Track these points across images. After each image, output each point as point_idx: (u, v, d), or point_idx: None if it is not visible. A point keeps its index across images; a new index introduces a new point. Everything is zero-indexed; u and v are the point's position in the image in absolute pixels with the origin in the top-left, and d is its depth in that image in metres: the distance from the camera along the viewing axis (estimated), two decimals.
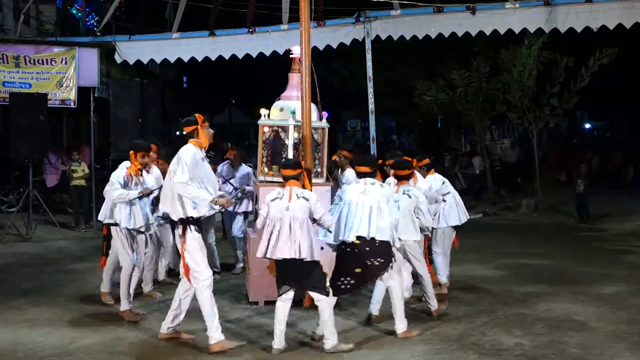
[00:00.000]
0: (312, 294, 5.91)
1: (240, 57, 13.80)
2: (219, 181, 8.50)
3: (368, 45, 13.25)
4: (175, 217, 5.91)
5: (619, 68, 17.28)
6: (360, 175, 6.27)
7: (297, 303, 7.25)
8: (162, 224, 7.75)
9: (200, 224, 5.97)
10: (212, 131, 6.15)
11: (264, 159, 7.71)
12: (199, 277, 5.88)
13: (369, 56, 13.23)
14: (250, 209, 8.76)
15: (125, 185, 6.87)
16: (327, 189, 7.54)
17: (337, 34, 13.57)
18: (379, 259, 6.05)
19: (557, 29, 12.94)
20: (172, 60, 14.04)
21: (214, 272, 8.49)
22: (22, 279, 8.84)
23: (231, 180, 9.02)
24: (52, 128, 15.79)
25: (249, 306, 7.35)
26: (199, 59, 13.87)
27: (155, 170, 7.70)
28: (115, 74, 14.48)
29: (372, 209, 6.05)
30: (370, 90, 13.21)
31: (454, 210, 7.72)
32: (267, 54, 13.74)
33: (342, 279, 6.07)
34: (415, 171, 7.19)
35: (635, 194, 17.23)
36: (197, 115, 6.06)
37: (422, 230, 6.84)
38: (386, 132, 36.87)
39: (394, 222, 6.16)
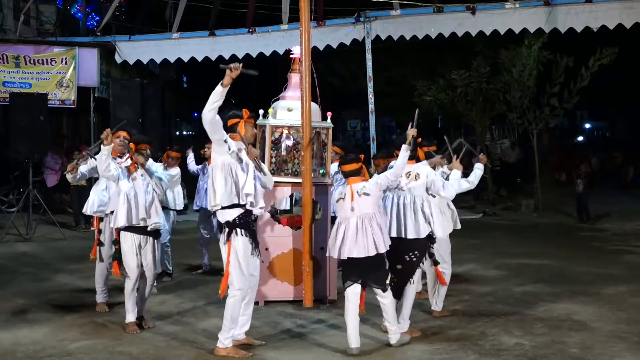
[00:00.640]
0: (375, 290, 5.88)
1: (240, 57, 13.80)
2: None
3: (368, 45, 13.26)
4: (222, 219, 5.69)
5: (619, 68, 17.28)
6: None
7: (296, 303, 7.28)
8: None
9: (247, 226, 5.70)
10: (255, 130, 6.09)
11: (272, 159, 7.63)
12: (235, 285, 5.68)
13: (369, 56, 13.23)
14: None
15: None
16: (332, 189, 7.55)
17: (337, 34, 13.58)
18: (415, 253, 6.14)
19: (557, 29, 12.94)
20: (172, 60, 14.05)
21: (166, 274, 8.56)
22: (22, 279, 8.83)
23: None
24: (52, 128, 15.76)
25: None
26: (199, 59, 13.88)
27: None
28: (115, 74, 14.49)
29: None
30: (370, 90, 13.22)
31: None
32: (267, 54, 13.75)
33: (389, 276, 6.10)
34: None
35: (635, 194, 17.24)
36: (243, 110, 6.03)
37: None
38: (386, 132, 36.89)
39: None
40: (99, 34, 14.59)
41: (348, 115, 36.04)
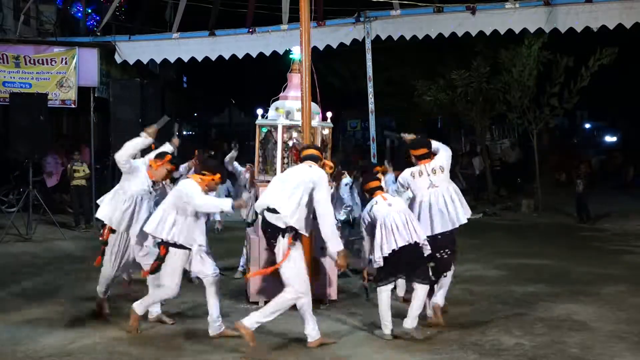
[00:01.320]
0: (415, 284, 6.26)
1: (240, 57, 13.80)
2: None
3: (368, 45, 13.26)
4: (282, 225, 5.85)
5: (619, 68, 17.28)
6: (418, 157, 6.65)
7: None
8: None
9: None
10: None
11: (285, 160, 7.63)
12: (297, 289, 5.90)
13: (369, 56, 13.23)
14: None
15: None
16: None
17: (337, 34, 13.57)
18: (446, 250, 6.50)
19: (557, 29, 12.94)
20: (172, 60, 14.04)
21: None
22: (22, 279, 8.82)
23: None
24: (52, 128, 15.77)
25: (249, 306, 7.34)
26: (199, 59, 13.87)
27: None
28: (115, 74, 14.49)
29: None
30: (370, 90, 13.21)
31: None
32: (267, 54, 13.74)
33: (428, 271, 6.40)
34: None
35: (635, 194, 17.25)
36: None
37: None
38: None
39: None
40: (99, 34, 14.58)
41: (348, 115, 35.97)
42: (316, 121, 7.55)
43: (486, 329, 6.50)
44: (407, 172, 6.75)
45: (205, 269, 6.28)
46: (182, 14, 13.85)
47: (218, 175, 6.35)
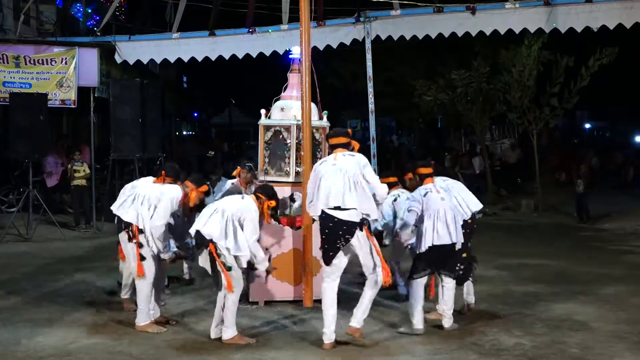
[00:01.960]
0: (444, 277, 6.49)
1: (240, 57, 13.80)
2: None
3: (368, 45, 13.25)
4: (357, 218, 5.90)
5: (619, 68, 17.29)
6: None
7: (296, 303, 7.28)
8: None
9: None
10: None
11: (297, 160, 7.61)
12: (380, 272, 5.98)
13: (369, 56, 13.23)
14: None
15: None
16: None
17: (337, 34, 13.57)
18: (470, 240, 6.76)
19: (557, 29, 12.94)
20: (172, 60, 14.04)
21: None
22: (22, 279, 8.83)
23: None
24: (52, 128, 15.76)
25: (249, 306, 7.34)
26: (199, 59, 13.87)
27: None
28: (115, 74, 14.48)
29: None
30: (370, 90, 13.21)
31: None
32: (267, 54, 13.74)
33: (457, 266, 6.59)
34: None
35: (635, 194, 17.24)
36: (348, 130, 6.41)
37: None
38: (386, 132, 36.89)
39: None
40: (99, 34, 14.56)
41: (348, 115, 36.01)
42: (315, 121, 7.55)
43: (486, 329, 6.50)
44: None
45: None
46: (182, 14, 13.85)
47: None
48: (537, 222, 14.73)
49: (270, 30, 13.64)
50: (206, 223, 6.00)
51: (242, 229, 6.00)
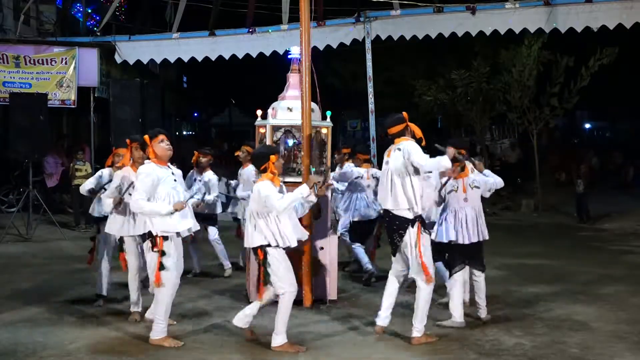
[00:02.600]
0: (474, 270, 6.70)
1: (240, 57, 13.81)
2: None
3: (368, 45, 13.26)
4: (411, 215, 5.99)
5: (619, 68, 17.28)
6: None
7: (297, 303, 7.27)
8: None
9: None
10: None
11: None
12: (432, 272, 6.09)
13: (369, 56, 13.23)
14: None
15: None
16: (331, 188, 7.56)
17: (337, 34, 13.58)
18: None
19: (557, 29, 12.94)
20: (172, 60, 14.05)
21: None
22: (22, 279, 8.82)
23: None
24: (52, 128, 15.75)
25: None
26: (199, 59, 13.87)
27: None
28: (115, 74, 14.50)
29: None
30: (370, 90, 13.22)
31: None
32: (267, 54, 13.75)
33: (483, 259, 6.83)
34: None
35: (635, 194, 17.24)
36: (403, 113, 6.28)
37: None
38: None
39: None
40: (99, 34, 14.58)
41: (348, 115, 36.01)
42: (316, 120, 7.54)
43: (486, 329, 6.50)
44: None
45: None
46: (182, 14, 13.86)
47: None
48: (537, 222, 14.73)
49: (270, 30, 13.66)
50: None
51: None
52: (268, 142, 7.50)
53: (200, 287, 8.24)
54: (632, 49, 18.07)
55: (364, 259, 8.51)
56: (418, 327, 6.04)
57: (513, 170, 20.39)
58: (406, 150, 5.99)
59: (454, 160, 6.16)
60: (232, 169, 10.63)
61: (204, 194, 8.40)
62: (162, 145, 6.03)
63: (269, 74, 18.32)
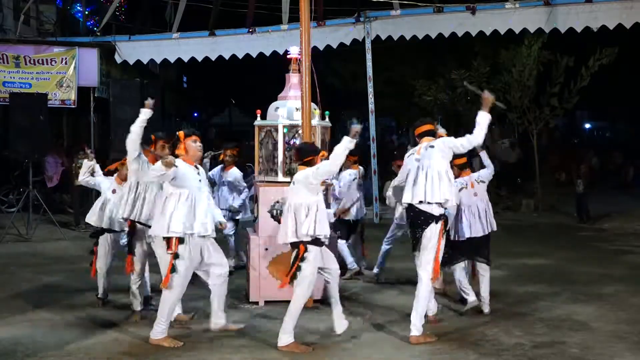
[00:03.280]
0: (479, 264, 7.04)
1: (240, 57, 13.81)
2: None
3: (368, 45, 13.27)
4: (437, 213, 6.11)
5: (619, 68, 17.28)
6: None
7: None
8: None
9: None
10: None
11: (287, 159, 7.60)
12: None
13: (369, 56, 13.24)
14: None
15: None
16: (331, 188, 7.56)
17: (337, 34, 13.59)
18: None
19: (557, 29, 12.94)
20: (172, 60, 14.05)
21: None
22: (22, 279, 8.83)
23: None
24: (52, 128, 15.74)
25: (249, 306, 7.35)
26: (199, 59, 13.88)
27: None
28: (115, 74, 14.49)
29: None
30: (370, 90, 13.22)
31: None
32: (267, 54, 13.75)
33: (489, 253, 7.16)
34: None
35: (635, 194, 17.24)
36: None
37: None
38: (386, 132, 36.86)
39: None
40: (99, 34, 14.59)
41: (348, 115, 35.97)
42: (315, 120, 7.54)
43: (486, 329, 6.50)
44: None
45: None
46: (182, 14, 13.87)
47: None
48: (537, 222, 14.72)
49: (270, 30, 13.65)
50: None
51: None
52: (280, 142, 7.55)
53: (200, 287, 8.23)
54: (632, 49, 18.07)
55: (348, 257, 8.64)
56: (417, 324, 6.04)
57: (513, 170, 20.39)
58: (443, 142, 6.20)
59: (491, 109, 6.21)
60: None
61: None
62: (195, 145, 6.09)
63: (269, 74, 18.32)
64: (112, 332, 6.42)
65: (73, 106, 13.78)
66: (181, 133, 6.13)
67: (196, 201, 5.91)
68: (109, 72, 14.35)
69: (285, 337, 5.86)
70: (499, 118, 19.49)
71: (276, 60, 13.40)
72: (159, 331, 5.99)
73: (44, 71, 13.54)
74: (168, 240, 5.89)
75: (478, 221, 6.91)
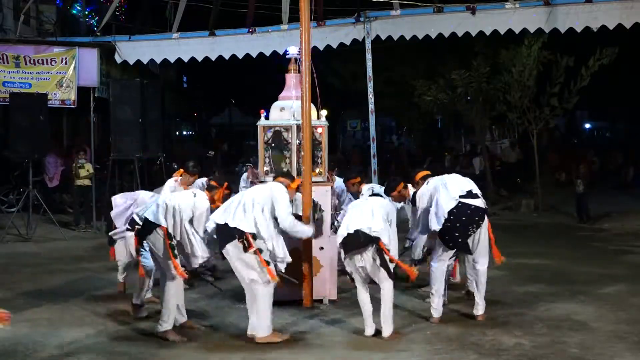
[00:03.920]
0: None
1: (240, 57, 13.80)
2: None
3: (368, 45, 13.25)
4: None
5: (619, 68, 17.27)
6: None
7: (297, 303, 7.28)
8: None
9: None
10: None
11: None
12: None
13: (369, 56, 13.22)
14: None
15: None
16: (327, 188, 7.54)
17: (337, 34, 13.57)
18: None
19: (557, 29, 12.93)
20: (172, 60, 14.04)
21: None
22: (22, 279, 8.83)
23: None
24: (52, 128, 15.76)
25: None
26: (199, 59, 13.86)
27: None
28: (115, 74, 14.48)
29: None
30: (370, 90, 13.20)
31: None
32: (267, 54, 13.74)
33: None
34: None
35: (635, 194, 17.23)
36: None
37: None
38: (386, 132, 36.91)
39: None
40: (99, 34, 14.57)
41: (348, 115, 36.02)
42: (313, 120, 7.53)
43: (486, 329, 6.50)
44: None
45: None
46: (182, 14, 13.85)
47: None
48: (537, 222, 14.72)
49: (270, 30, 13.65)
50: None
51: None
52: (293, 142, 7.54)
53: (200, 287, 8.24)
54: (632, 49, 18.06)
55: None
56: (481, 303, 6.80)
57: (513, 170, 20.41)
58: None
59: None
60: (230, 170, 10.61)
61: None
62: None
63: (269, 74, 18.33)
64: (112, 332, 6.42)
65: (73, 106, 13.76)
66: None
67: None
68: (109, 72, 14.34)
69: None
70: (499, 118, 19.51)
71: (277, 60, 13.42)
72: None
73: (44, 71, 13.52)
74: (243, 240, 6.00)
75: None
